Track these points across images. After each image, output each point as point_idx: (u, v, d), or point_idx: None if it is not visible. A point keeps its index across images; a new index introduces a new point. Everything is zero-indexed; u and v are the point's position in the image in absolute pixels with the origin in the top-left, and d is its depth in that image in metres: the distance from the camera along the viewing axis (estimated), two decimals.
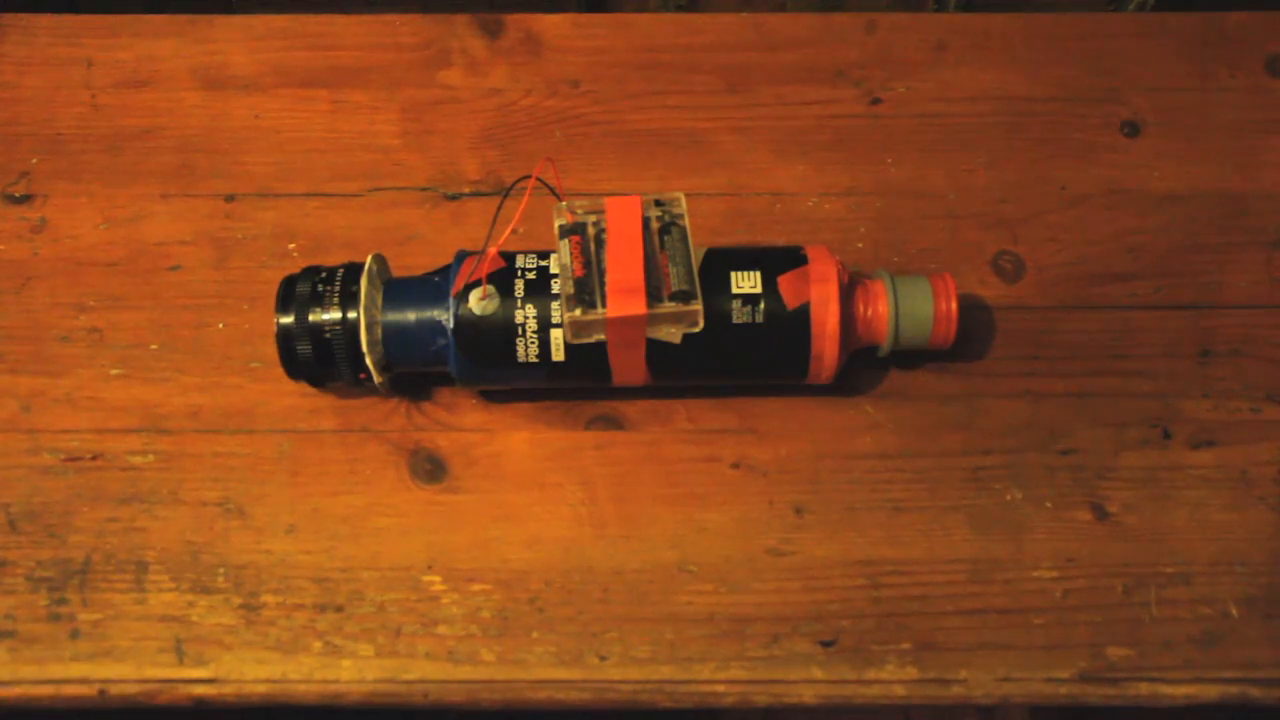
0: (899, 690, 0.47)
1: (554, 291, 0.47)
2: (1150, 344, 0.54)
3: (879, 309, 0.49)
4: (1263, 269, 0.56)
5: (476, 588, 0.48)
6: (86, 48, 0.61)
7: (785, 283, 0.47)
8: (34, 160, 0.58)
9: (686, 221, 0.47)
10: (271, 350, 0.48)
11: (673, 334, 0.46)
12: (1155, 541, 0.49)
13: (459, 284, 0.47)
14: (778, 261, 0.48)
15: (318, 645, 0.47)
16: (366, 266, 0.48)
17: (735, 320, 0.47)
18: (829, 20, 0.62)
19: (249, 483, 0.50)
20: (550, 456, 0.51)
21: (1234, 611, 0.48)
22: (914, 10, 0.65)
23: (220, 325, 0.54)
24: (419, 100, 0.60)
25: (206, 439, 0.51)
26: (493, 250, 0.47)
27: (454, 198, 0.57)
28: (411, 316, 0.48)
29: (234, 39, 0.61)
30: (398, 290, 0.48)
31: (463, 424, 0.52)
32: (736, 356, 0.48)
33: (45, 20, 0.62)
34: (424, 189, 0.58)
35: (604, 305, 0.45)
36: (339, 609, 0.48)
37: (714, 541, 0.49)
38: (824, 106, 0.60)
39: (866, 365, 0.52)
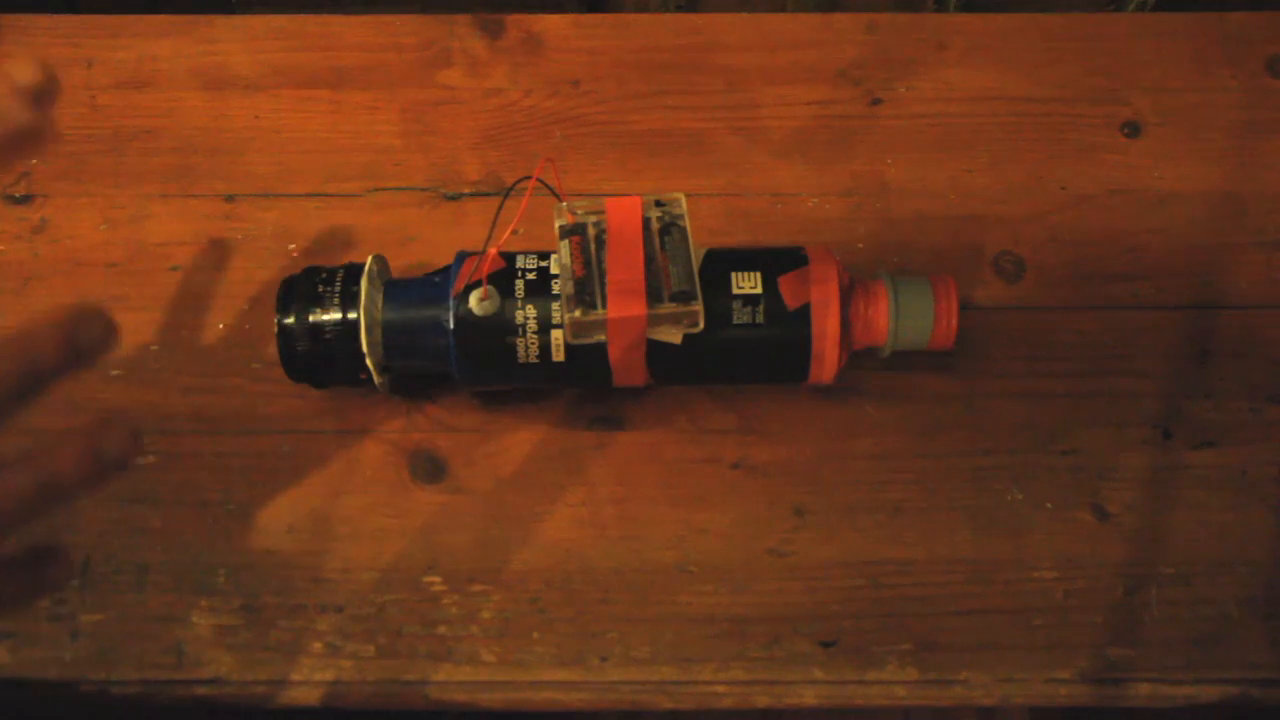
0: (900, 691, 0.47)
1: (554, 292, 0.47)
2: (1150, 344, 0.54)
3: (879, 310, 0.49)
4: (1263, 269, 0.56)
5: (477, 588, 0.48)
6: (86, 48, 0.61)
7: (786, 283, 0.47)
8: (34, 160, 0.58)
9: (687, 222, 0.47)
10: (272, 351, 0.48)
11: (673, 334, 0.46)
12: (1155, 541, 0.49)
13: (459, 284, 0.47)
14: (778, 262, 0.48)
15: (318, 646, 0.47)
16: (367, 267, 0.48)
17: (735, 321, 0.47)
18: (829, 20, 0.62)
19: (249, 483, 0.50)
20: (550, 456, 0.51)
21: (1234, 611, 0.48)
22: (914, 10, 0.65)
23: (220, 326, 0.54)
24: (419, 100, 0.60)
25: (207, 439, 0.51)
26: (493, 250, 0.47)
27: (454, 198, 0.57)
28: (412, 317, 0.48)
29: (234, 39, 0.61)
30: (398, 291, 0.48)
31: (463, 424, 0.52)
32: (737, 357, 0.48)
33: (45, 20, 0.62)
34: (424, 189, 0.58)
35: (604, 306, 0.45)
36: (339, 609, 0.48)
37: (714, 542, 0.49)
38: (824, 106, 0.60)
39: (866, 365, 0.52)
